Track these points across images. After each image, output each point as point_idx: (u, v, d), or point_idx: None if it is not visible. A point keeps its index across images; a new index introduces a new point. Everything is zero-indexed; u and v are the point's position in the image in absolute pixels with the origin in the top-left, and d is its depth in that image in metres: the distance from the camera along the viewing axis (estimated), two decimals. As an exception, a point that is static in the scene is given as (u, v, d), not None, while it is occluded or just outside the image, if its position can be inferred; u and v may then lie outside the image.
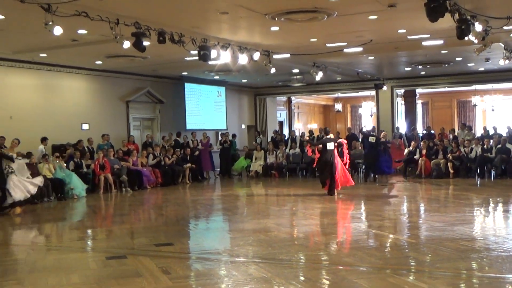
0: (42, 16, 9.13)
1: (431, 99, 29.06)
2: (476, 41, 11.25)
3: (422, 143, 18.20)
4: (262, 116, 26.00)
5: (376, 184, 16.21)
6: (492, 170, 17.11)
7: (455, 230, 8.26)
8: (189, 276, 6.11)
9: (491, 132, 19.29)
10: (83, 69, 17.40)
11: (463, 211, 10.42)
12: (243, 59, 13.46)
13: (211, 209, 12.36)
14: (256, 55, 13.74)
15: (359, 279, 5.64)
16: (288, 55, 15.39)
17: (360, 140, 19.20)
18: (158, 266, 6.37)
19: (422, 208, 11.75)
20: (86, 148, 16.17)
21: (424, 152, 17.67)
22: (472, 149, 17.19)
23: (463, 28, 9.88)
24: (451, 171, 17.05)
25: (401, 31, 12.71)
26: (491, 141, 17.45)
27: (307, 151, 13.84)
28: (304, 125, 30.30)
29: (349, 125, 28.93)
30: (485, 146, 17.24)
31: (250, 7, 10.21)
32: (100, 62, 16.40)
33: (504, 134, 18.66)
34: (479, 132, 21.55)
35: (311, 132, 22.11)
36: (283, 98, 27.92)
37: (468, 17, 10.06)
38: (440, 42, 13.99)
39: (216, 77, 21.19)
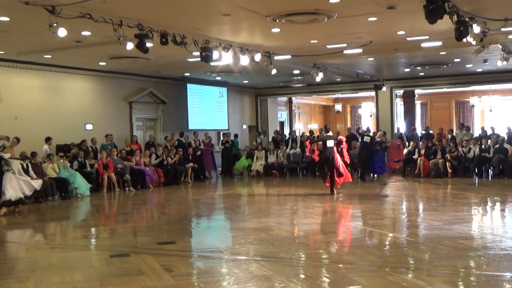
0: (46, 18, 9.14)
1: (430, 99, 29.03)
2: (474, 42, 11.24)
3: (421, 143, 18.19)
4: (263, 116, 26.00)
5: (368, 182, 16.25)
6: (489, 170, 17.08)
7: (453, 228, 8.26)
8: (191, 274, 6.11)
9: (489, 132, 19.25)
10: (87, 70, 17.41)
11: (461, 210, 10.42)
12: (244, 60, 13.47)
13: (213, 208, 12.37)
14: (257, 56, 13.76)
15: (358, 277, 5.64)
16: (288, 57, 15.38)
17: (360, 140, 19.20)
18: (161, 264, 6.37)
19: (420, 207, 11.75)
20: (89, 148, 16.18)
21: (423, 152, 17.66)
22: (470, 149, 17.18)
23: (462, 30, 9.88)
24: (450, 170, 17.04)
25: (400, 32, 12.70)
26: (489, 141, 17.45)
27: (307, 147, 13.76)
28: (304, 125, 30.29)
29: (349, 126, 28.90)
30: (483, 146, 17.22)
31: (252, 9, 10.21)
32: (103, 63, 16.42)
33: (504, 135, 18.64)
34: (477, 132, 21.52)
35: (311, 132, 22.10)
36: (284, 98, 27.90)
37: (467, 19, 10.05)
38: (439, 43, 13.98)
39: (218, 78, 21.18)
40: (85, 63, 16.43)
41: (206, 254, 7.06)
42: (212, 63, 12.96)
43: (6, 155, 11.47)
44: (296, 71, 19.44)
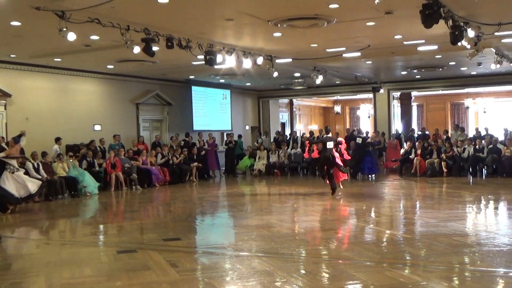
0: (56, 23, 9.14)
1: (426, 101, 29.00)
2: (468, 46, 11.24)
3: (417, 143, 18.18)
4: (265, 117, 25.98)
5: (360, 181, 16.29)
6: (483, 169, 17.05)
7: (449, 226, 8.25)
8: (195, 269, 6.12)
9: (483, 133, 19.25)
10: (95, 73, 17.43)
11: (456, 208, 10.40)
12: (247, 63, 13.47)
13: (217, 206, 12.37)
14: (260, 60, 13.76)
15: (357, 272, 5.64)
16: (290, 60, 15.38)
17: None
18: (166, 259, 6.38)
19: (417, 205, 11.72)
20: (98, 148, 16.19)
21: (419, 152, 17.63)
22: (464, 149, 17.15)
23: (457, 34, 9.87)
24: (445, 170, 17.02)
25: (398, 37, 12.69)
26: (483, 141, 17.43)
27: (306, 147, 13.68)
28: (305, 126, 30.28)
29: (347, 127, 28.87)
30: (477, 146, 17.21)
31: (254, 14, 10.22)
32: (111, 67, 16.43)
33: (501, 135, 18.63)
34: (471, 133, 21.50)
35: (311, 133, 22.09)
36: (285, 100, 27.89)
37: (461, 23, 10.05)
38: (435, 47, 13.96)
39: (222, 81, 21.17)
40: (94, 66, 16.44)
41: (210, 250, 7.07)
42: (216, 66, 12.95)
43: (0, 155, 11.44)
44: (297, 74, 19.43)
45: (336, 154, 12.79)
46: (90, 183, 14.23)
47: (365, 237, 8.07)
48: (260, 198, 13.90)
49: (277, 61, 14.99)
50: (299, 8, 9.92)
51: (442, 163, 17.14)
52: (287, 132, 26.60)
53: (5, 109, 14.87)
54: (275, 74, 15.05)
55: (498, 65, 14.95)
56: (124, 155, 15.91)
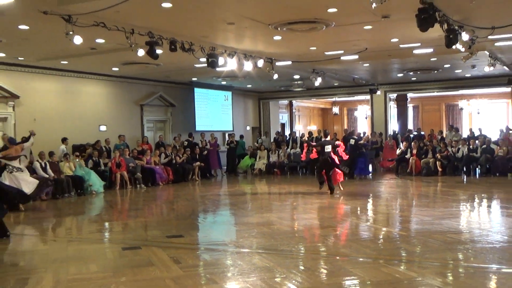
0: (63, 27, 9.17)
1: (421, 103, 29.01)
2: (463, 49, 11.24)
3: (413, 143, 18.18)
4: (266, 118, 25.99)
5: (356, 179, 16.31)
6: (477, 169, 17.05)
7: (443, 223, 8.26)
8: (198, 265, 6.13)
9: (477, 133, 19.24)
10: (101, 75, 17.43)
11: (450, 206, 10.41)
12: (248, 66, 13.48)
13: (218, 204, 12.37)
14: (260, 62, 13.77)
15: (354, 268, 5.65)
16: (289, 62, 15.38)
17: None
18: (170, 256, 6.39)
19: (412, 203, 11.72)
20: (103, 148, 16.22)
21: (414, 152, 17.63)
22: (459, 149, 17.15)
23: (451, 38, 9.86)
24: (440, 169, 17.02)
25: (394, 40, 12.69)
26: (477, 141, 17.42)
27: (304, 149, 13.62)
28: (304, 127, 30.28)
29: (345, 127, 28.87)
30: (471, 147, 17.20)
31: (255, 18, 10.22)
32: (116, 69, 16.45)
33: (496, 136, 18.62)
34: (465, 134, 21.47)
35: (310, 133, 22.09)
36: (285, 101, 27.91)
37: (456, 27, 10.05)
38: (430, 50, 13.95)
39: (223, 83, 21.19)
40: (99, 68, 16.46)
41: (212, 247, 7.07)
42: (217, 69, 12.97)
43: None
44: (297, 76, 19.44)
45: (334, 156, 12.78)
46: (95, 182, 14.25)
47: (362, 234, 8.07)
48: (261, 196, 13.89)
49: (277, 63, 14.99)
50: (298, 12, 9.91)
51: (437, 162, 17.14)
52: (287, 132, 26.61)
53: (14, 110, 14.89)
54: (275, 76, 15.05)
55: (492, 68, 14.96)
56: (128, 154, 15.93)
